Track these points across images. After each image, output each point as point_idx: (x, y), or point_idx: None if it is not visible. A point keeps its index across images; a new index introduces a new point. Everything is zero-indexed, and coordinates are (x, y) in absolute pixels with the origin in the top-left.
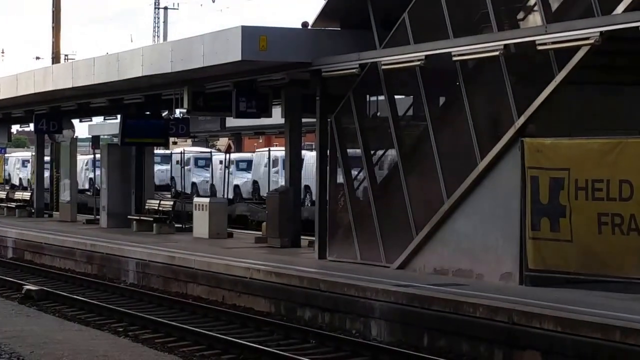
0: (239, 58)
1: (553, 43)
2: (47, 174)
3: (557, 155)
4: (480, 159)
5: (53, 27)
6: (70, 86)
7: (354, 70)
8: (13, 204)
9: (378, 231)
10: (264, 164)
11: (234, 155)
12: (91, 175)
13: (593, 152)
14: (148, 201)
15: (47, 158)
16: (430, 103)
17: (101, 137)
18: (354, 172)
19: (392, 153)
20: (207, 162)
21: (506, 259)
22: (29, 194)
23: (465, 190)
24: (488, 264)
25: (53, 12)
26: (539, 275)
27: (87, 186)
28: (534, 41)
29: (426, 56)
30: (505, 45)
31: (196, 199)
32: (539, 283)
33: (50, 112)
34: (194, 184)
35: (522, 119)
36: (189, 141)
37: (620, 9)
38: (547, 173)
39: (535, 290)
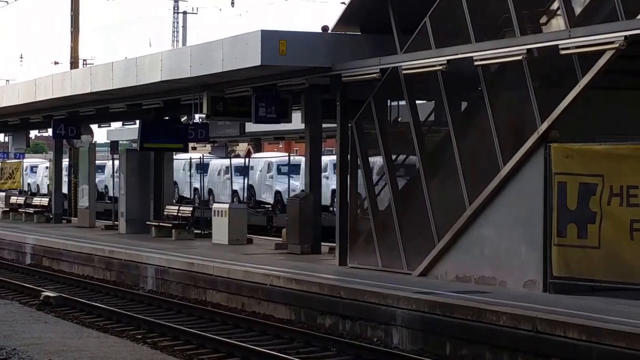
0: (258, 63)
1: (576, 47)
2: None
3: (590, 160)
4: (503, 164)
5: (71, 32)
6: (88, 91)
7: (374, 75)
8: (31, 210)
9: (399, 238)
10: (259, 169)
11: (234, 161)
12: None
13: (629, 158)
14: (167, 207)
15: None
16: (452, 108)
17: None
18: (375, 178)
19: (413, 159)
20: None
21: (530, 266)
22: (47, 199)
23: (488, 197)
24: (511, 271)
25: (71, 16)
26: (564, 283)
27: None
28: (557, 46)
29: (448, 61)
30: (528, 50)
31: (215, 205)
32: (563, 290)
33: (68, 117)
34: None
35: (546, 124)
36: (208, 146)
37: None
38: (576, 179)
39: (559, 298)
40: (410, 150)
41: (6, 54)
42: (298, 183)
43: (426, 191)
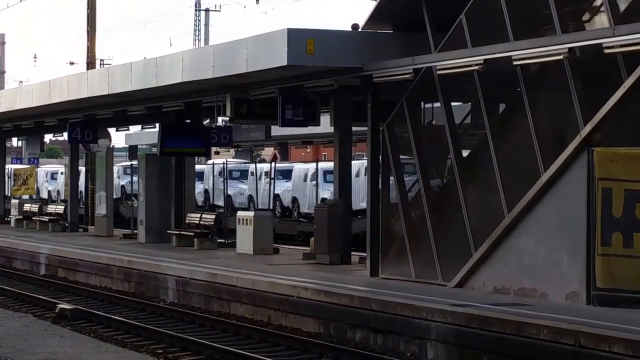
0: (284, 63)
1: (621, 46)
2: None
3: (636, 166)
4: (543, 170)
5: (88, 31)
6: (106, 93)
7: (407, 76)
8: (46, 218)
9: (434, 247)
10: (256, 176)
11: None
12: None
13: None
14: (188, 215)
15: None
16: (489, 110)
17: (139, 146)
18: (408, 184)
19: (448, 163)
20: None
21: (572, 277)
22: (63, 207)
23: (528, 204)
24: (552, 282)
25: (88, 14)
26: (608, 295)
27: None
28: (601, 44)
29: (485, 60)
30: (570, 49)
31: (240, 213)
32: (608, 303)
33: (85, 120)
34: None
35: (589, 127)
36: (232, 151)
37: None
38: (622, 185)
39: (603, 311)
40: (445, 155)
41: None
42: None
43: (462, 198)
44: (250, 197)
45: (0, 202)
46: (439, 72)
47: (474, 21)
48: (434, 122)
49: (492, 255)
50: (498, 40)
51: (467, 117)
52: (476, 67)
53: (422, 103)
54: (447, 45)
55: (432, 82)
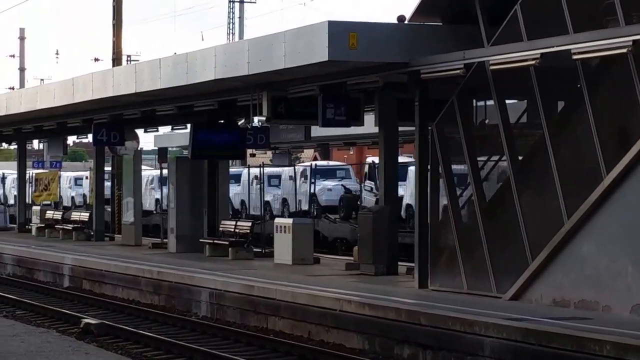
0: (325, 58)
1: None
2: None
3: None
4: (605, 172)
5: (114, 25)
6: (133, 91)
7: (458, 71)
8: (70, 226)
9: (487, 256)
10: (249, 179)
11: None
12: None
13: None
14: (222, 222)
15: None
16: (547, 108)
17: (169, 149)
18: (459, 188)
19: (503, 166)
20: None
21: (638, 288)
22: (87, 214)
23: (589, 209)
24: (616, 293)
25: (114, 7)
26: None
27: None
28: None
29: (542, 54)
30: (634, 41)
31: (277, 220)
32: None
33: (111, 121)
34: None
35: None
36: (269, 153)
37: None
38: None
39: None
40: (500, 157)
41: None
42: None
43: (518, 203)
44: (284, 200)
45: (20, 209)
46: (492, 67)
47: (530, 12)
48: (486, 122)
49: (550, 265)
50: (556, 33)
51: (523, 115)
52: (532, 62)
53: (474, 101)
54: (500, 39)
55: (485, 78)
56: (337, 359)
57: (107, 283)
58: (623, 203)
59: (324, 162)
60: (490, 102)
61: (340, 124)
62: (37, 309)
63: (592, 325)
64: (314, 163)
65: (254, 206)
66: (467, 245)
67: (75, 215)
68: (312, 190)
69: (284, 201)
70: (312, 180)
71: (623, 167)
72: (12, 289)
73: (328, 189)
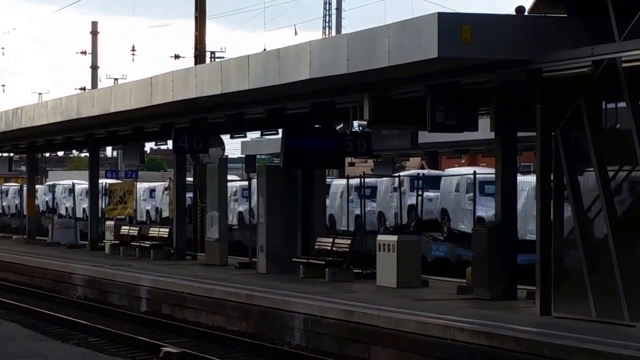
0: (434, 55)
1: None
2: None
3: None
4: None
5: (196, 17)
6: (218, 92)
7: (585, 69)
8: (147, 243)
9: (619, 279)
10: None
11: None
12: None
13: None
14: (318, 239)
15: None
16: None
17: (257, 157)
18: (587, 202)
19: (636, 176)
20: None
21: None
22: (167, 230)
23: None
24: None
25: None
26: None
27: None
28: None
29: None
30: None
31: (380, 237)
32: None
33: (193, 125)
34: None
35: None
36: (370, 162)
37: None
38: None
39: None
40: (632, 166)
41: (114, 47)
42: None
43: None
44: (380, 214)
45: (93, 225)
46: (624, 64)
47: None
48: (618, 127)
49: None
50: None
51: None
52: None
53: (604, 103)
54: (634, 32)
55: (616, 77)
56: None
57: (189, 307)
58: None
59: (432, 171)
60: (622, 105)
61: (451, 128)
62: (111, 335)
63: None
64: (421, 172)
65: (344, 221)
66: (596, 266)
67: (154, 232)
68: (410, 203)
69: (380, 215)
70: (419, 193)
71: None
72: (84, 313)
73: (429, 200)
